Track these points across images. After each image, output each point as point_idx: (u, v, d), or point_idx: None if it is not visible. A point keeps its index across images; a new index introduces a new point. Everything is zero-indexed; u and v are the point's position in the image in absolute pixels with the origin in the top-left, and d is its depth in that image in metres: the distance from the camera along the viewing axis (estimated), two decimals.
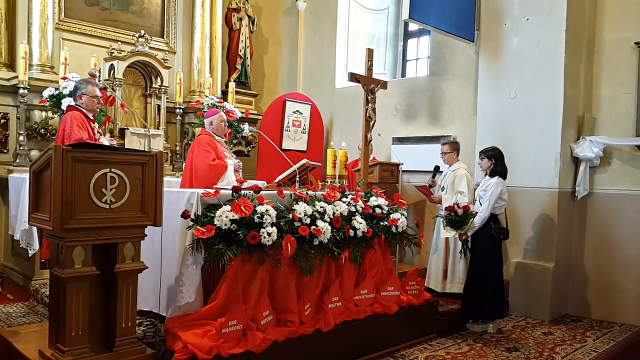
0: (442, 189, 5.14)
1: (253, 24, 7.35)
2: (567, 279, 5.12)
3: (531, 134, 5.04)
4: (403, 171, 5.96)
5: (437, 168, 5.36)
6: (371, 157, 5.37)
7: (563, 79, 4.86)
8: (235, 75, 7.22)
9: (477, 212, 4.33)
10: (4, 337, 3.09)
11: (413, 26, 6.99)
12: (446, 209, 4.43)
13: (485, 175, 4.51)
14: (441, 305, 4.66)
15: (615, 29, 5.00)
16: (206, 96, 6.36)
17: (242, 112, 6.40)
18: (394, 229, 4.03)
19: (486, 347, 4.04)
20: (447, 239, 4.98)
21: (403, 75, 7.36)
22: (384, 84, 4.56)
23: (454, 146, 5.21)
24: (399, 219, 4.05)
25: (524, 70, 5.11)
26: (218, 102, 6.16)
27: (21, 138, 5.14)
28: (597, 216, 5.07)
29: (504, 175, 4.42)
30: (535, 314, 4.92)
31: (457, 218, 4.33)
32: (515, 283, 5.06)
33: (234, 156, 4.60)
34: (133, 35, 5.86)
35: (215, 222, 3.00)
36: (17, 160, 5.09)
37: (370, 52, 4.48)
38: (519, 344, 4.16)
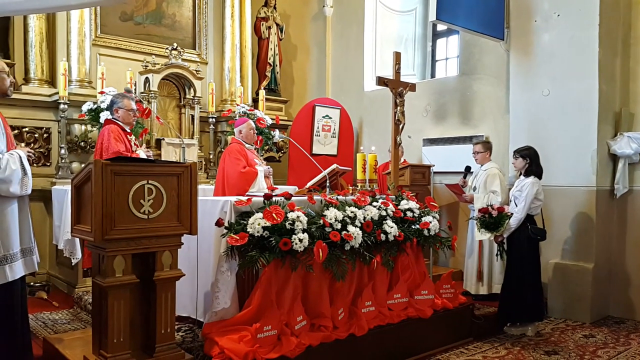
0: (474, 189, 5.07)
1: (281, 31, 7.46)
2: (608, 279, 4.95)
3: (566, 132, 4.91)
4: (434, 173, 5.90)
5: (468, 168, 5.31)
6: (402, 160, 5.34)
7: (597, 74, 4.71)
8: (265, 83, 7.34)
9: (512, 213, 4.25)
10: (51, 343, 3.23)
11: (442, 26, 6.92)
12: (480, 210, 4.36)
13: (519, 175, 4.42)
14: (477, 308, 4.59)
15: None
16: (237, 104, 6.49)
17: (272, 119, 6.49)
18: (426, 232, 4.00)
19: (524, 350, 3.96)
20: (480, 241, 4.91)
21: (433, 75, 7.29)
22: (412, 87, 4.54)
23: (487, 146, 5.14)
24: (430, 222, 4.02)
25: (556, 67, 4.98)
26: (249, 110, 6.27)
27: (62, 151, 5.37)
28: (639, 214, 4.88)
29: (539, 175, 4.32)
30: (576, 316, 4.78)
31: (492, 220, 4.26)
32: (554, 285, 4.93)
33: (264, 162, 4.67)
34: (166, 48, 6.04)
35: (248, 230, 3.06)
36: (60, 173, 5.32)
37: (397, 56, 4.47)
38: (559, 347, 4.05)
